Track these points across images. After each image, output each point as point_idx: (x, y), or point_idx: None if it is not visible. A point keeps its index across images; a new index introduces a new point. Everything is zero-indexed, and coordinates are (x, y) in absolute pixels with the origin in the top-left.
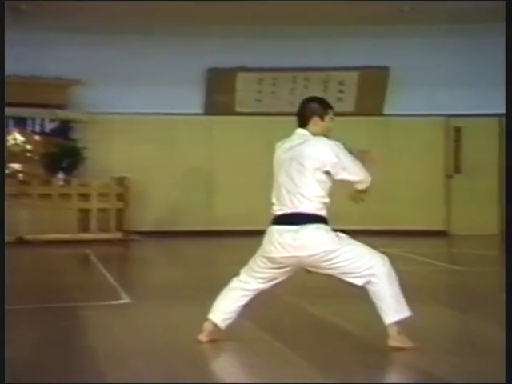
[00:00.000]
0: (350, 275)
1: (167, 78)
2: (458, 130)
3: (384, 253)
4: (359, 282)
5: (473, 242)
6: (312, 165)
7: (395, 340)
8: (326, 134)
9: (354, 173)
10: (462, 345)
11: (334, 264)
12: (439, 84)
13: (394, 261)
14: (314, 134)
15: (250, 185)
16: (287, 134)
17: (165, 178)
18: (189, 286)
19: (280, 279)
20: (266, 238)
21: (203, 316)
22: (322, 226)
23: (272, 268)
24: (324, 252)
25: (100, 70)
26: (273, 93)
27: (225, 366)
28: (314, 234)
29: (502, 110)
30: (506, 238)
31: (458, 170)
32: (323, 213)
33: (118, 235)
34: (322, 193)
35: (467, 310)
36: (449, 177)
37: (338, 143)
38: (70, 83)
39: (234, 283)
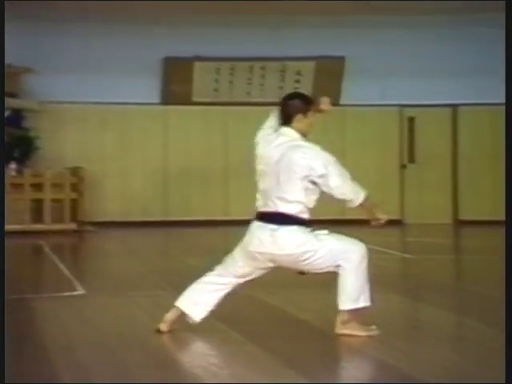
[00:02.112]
0: (326, 268)
1: (122, 67)
2: (411, 119)
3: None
4: (333, 269)
5: (426, 231)
6: (300, 172)
7: (342, 327)
8: (309, 130)
9: (340, 189)
10: (414, 332)
11: (310, 263)
12: (393, 74)
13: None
14: (299, 131)
15: (206, 175)
16: (245, 124)
17: (120, 169)
18: (144, 277)
19: (253, 276)
20: (247, 232)
21: (157, 306)
22: (300, 228)
23: (247, 262)
24: (301, 253)
25: (53, 58)
26: (230, 82)
27: (179, 356)
28: (292, 235)
29: (455, 100)
30: (506, 237)
31: (411, 159)
32: (304, 215)
33: (73, 226)
34: (306, 199)
35: (419, 297)
36: (403, 166)
37: (329, 156)
38: (20, 71)
39: (208, 276)
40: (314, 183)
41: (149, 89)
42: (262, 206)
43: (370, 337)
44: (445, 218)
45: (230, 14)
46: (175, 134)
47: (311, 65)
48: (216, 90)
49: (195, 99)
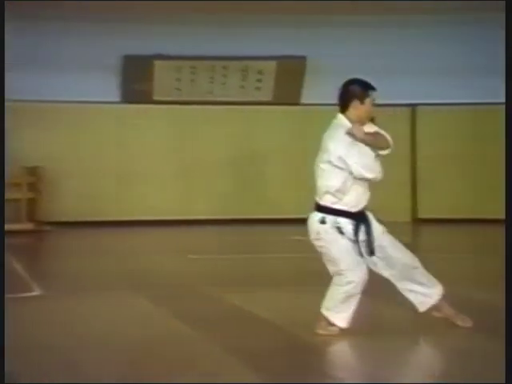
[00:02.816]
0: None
1: (82, 65)
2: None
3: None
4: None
5: (386, 229)
6: (325, 157)
7: (320, 327)
8: (367, 117)
9: (365, 168)
10: (373, 327)
11: (322, 252)
12: (354, 74)
13: (308, 249)
14: (354, 119)
15: (167, 174)
16: (207, 123)
17: (78, 168)
18: (100, 277)
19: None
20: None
21: (111, 307)
22: (319, 217)
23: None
24: (313, 239)
25: (8, 56)
26: (192, 81)
27: (134, 358)
28: (311, 221)
29: (413, 100)
30: (506, 237)
31: None
32: (329, 203)
33: (30, 226)
34: (333, 185)
35: (376, 294)
36: None
37: (352, 140)
38: None
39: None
40: (339, 166)
41: (108, 87)
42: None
43: (334, 336)
44: (404, 216)
45: (192, 13)
46: (135, 133)
47: (273, 64)
48: (178, 88)
49: (156, 98)
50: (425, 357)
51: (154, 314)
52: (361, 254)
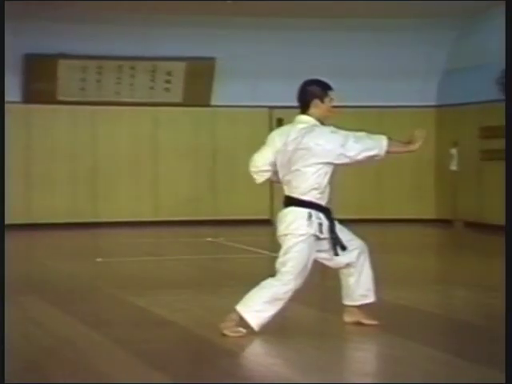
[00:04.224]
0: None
1: None
2: (280, 121)
3: (211, 242)
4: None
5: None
6: (317, 159)
7: (223, 325)
8: (327, 115)
9: (362, 153)
10: (284, 331)
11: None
12: (263, 76)
13: (219, 250)
14: (317, 117)
15: (73, 175)
16: (114, 124)
17: None
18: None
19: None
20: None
21: (12, 310)
22: (305, 212)
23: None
24: (284, 235)
25: None
26: (98, 81)
27: (45, 363)
28: (293, 216)
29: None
30: (506, 237)
31: None
32: (314, 199)
33: None
34: (317, 186)
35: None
36: None
37: (342, 132)
38: None
39: None
40: (329, 164)
41: (9, 87)
42: (286, 192)
43: (241, 337)
44: None
45: (99, 11)
46: (39, 134)
47: (182, 65)
48: (83, 88)
49: (60, 98)
50: (335, 357)
51: (60, 317)
52: (333, 250)
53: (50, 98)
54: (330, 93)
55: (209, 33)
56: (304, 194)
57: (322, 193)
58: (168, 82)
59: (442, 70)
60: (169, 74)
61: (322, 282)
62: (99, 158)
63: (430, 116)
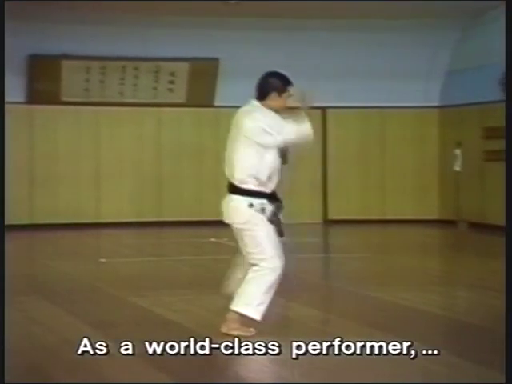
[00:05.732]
0: (249, 256)
1: None
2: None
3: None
4: (252, 261)
5: (299, 230)
6: (251, 137)
7: (228, 327)
8: (281, 111)
9: (289, 132)
10: (284, 329)
11: (243, 240)
12: None
13: (222, 251)
14: (271, 109)
15: (76, 176)
16: (117, 125)
17: None
18: (9, 283)
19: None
20: None
21: (16, 311)
22: (246, 200)
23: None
24: (237, 224)
25: None
26: (101, 82)
27: (47, 363)
28: (233, 204)
29: (324, 103)
30: (506, 237)
31: (284, 160)
32: (252, 186)
33: None
34: (255, 166)
35: (290, 297)
36: None
37: (277, 117)
38: None
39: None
40: (262, 145)
41: (13, 87)
42: (229, 178)
43: (241, 337)
44: (316, 218)
45: (102, 12)
46: (42, 135)
47: (185, 66)
48: (86, 89)
49: (64, 99)
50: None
51: (61, 317)
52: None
53: (53, 99)
54: (290, 88)
55: (212, 33)
56: (242, 180)
57: (261, 179)
58: (171, 82)
59: (444, 71)
60: (172, 74)
61: (322, 282)
62: (102, 158)
63: (433, 117)
